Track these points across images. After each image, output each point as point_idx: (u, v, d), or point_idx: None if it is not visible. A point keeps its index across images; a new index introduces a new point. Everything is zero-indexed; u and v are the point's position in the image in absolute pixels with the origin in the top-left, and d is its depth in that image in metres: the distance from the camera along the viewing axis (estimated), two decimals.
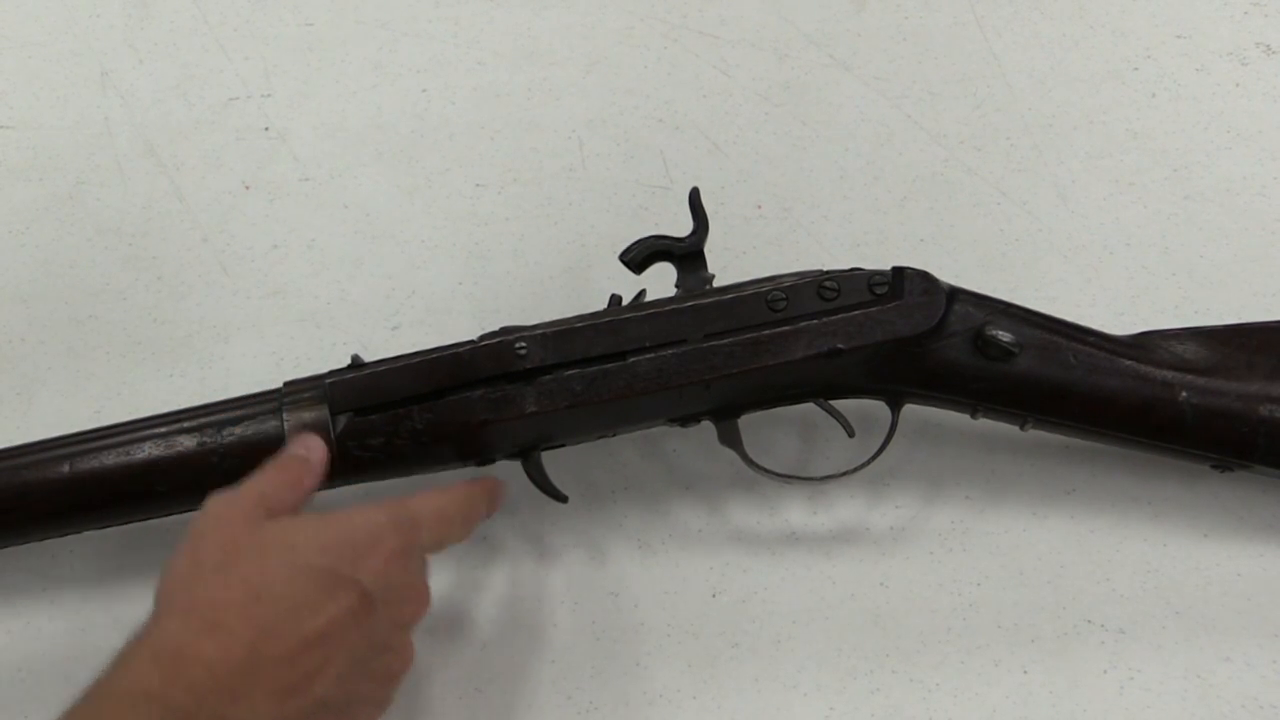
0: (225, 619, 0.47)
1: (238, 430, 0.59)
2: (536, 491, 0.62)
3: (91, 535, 0.63)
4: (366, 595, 0.50)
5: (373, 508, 0.53)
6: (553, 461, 0.63)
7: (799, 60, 0.87)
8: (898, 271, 0.61)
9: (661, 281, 0.64)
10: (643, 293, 0.63)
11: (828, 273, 0.61)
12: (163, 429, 0.59)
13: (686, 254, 0.62)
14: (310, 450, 0.57)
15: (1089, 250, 0.77)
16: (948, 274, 0.64)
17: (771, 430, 0.69)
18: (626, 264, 0.63)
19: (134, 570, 0.66)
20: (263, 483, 0.54)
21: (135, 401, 0.72)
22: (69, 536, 0.62)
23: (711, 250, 0.63)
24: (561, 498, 0.63)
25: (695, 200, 0.64)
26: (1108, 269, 0.76)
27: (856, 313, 0.60)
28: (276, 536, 0.51)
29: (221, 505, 0.52)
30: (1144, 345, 0.63)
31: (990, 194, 0.80)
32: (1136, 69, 0.86)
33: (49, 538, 0.61)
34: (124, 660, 0.47)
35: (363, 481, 0.61)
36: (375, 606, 0.50)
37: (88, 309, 0.76)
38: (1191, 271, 0.76)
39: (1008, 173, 0.81)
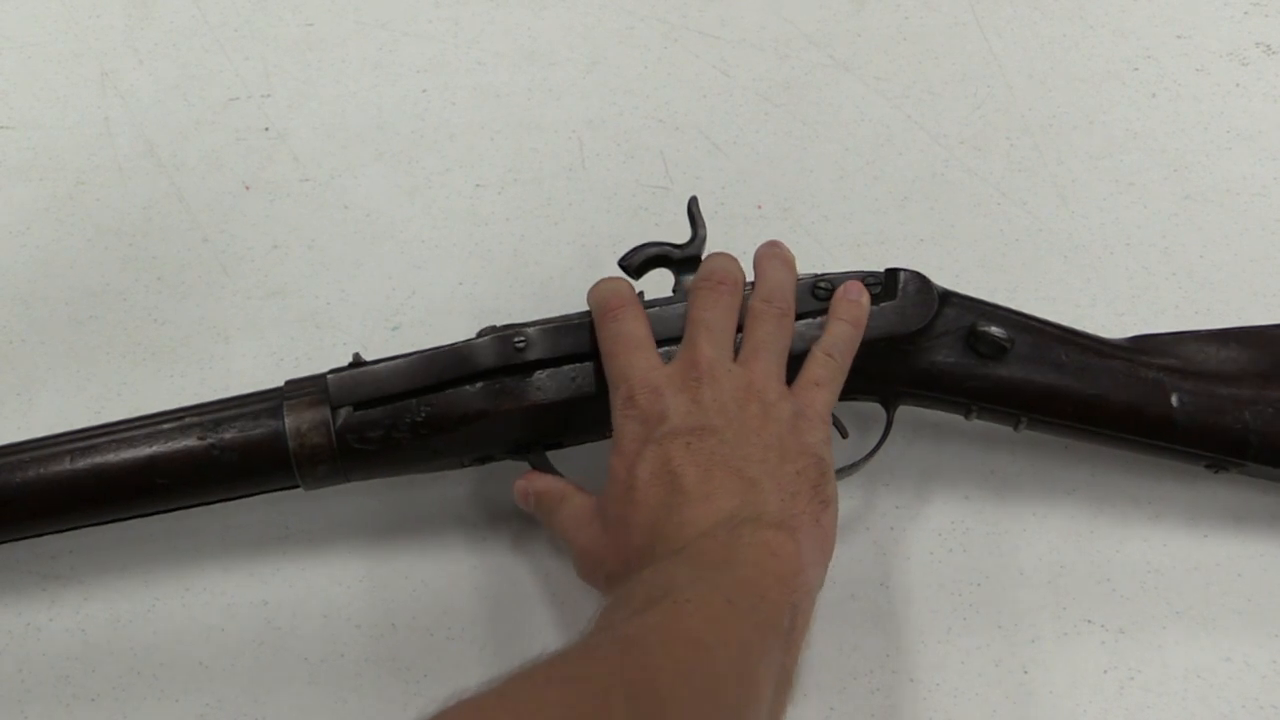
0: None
1: (238, 426, 0.59)
2: None
3: (91, 534, 0.63)
4: None
5: None
6: (555, 461, 0.63)
7: (799, 60, 0.87)
8: (891, 273, 0.62)
9: (660, 286, 0.64)
10: (640, 295, 0.63)
11: (822, 274, 0.62)
12: (165, 425, 0.60)
13: (684, 259, 0.63)
14: None
15: (1089, 250, 0.77)
16: (948, 274, 0.64)
17: None
18: (625, 269, 0.63)
19: (134, 570, 0.66)
20: None
21: (135, 401, 0.72)
22: (69, 535, 0.62)
23: (711, 249, 0.63)
24: None
25: (693, 209, 0.64)
26: (1108, 269, 0.76)
27: None
28: None
29: None
30: (1136, 347, 0.64)
31: (990, 194, 0.80)
32: (1136, 69, 0.86)
33: (49, 533, 0.61)
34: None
35: (364, 478, 0.62)
36: None
37: (88, 309, 0.76)
38: (1191, 272, 0.76)
39: (1008, 173, 0.81)
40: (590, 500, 0.60)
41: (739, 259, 0.62)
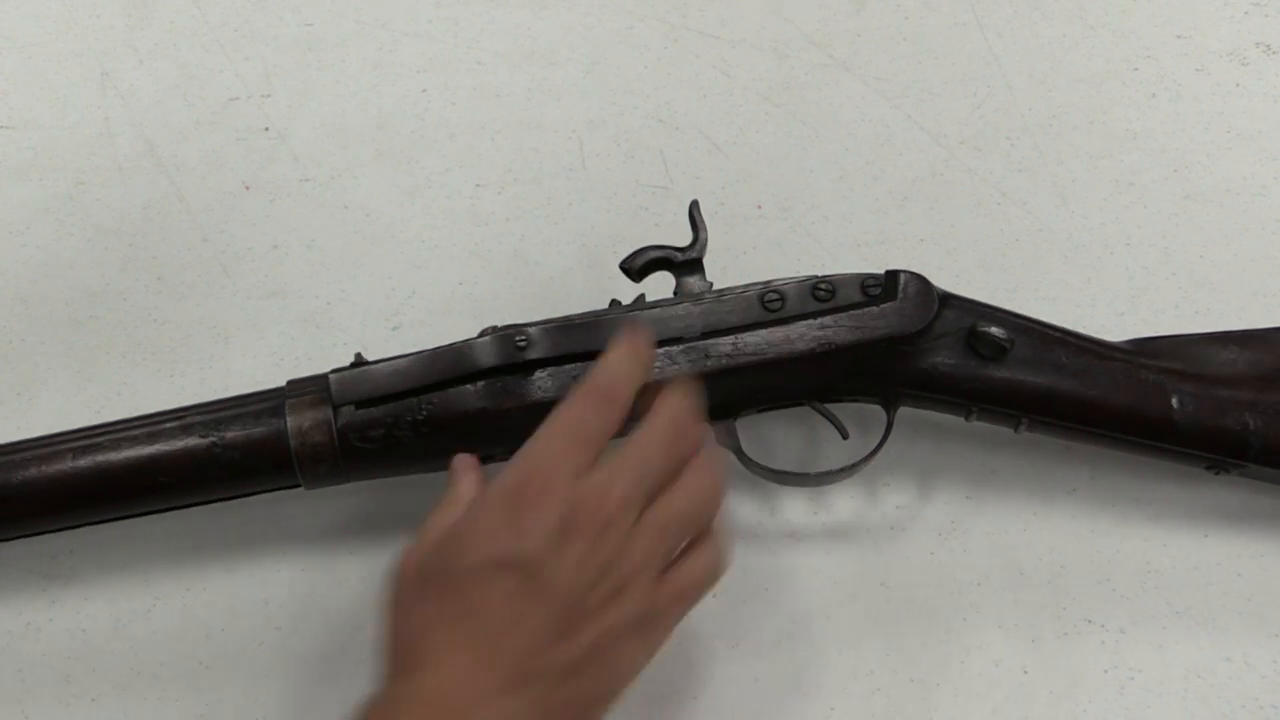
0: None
1: (240, 425, 0.60)
2: None
3: (92, 534, 0.63)
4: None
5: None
6: None
7: (799, 60, 0.87)
8: (891, 274, 0.62)
9: (660, 289, 0.64)
10: (641, 296, 0.64)
11: (823, 276, 0.62)
12: (167, 423, 0.60)
13: (685, 263, 0.63)
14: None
15: (1089, 250, 0.77)
16: (948, 274, 0.64)
17: (771, 430, 0.69)
18: (626, 272, 0.63)
19: (134, 570, 0.66)
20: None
21: (135, 401, 0.72)
22: (69, 534, 0.62)
23: (712, 250, 0.63)
24: None
25: (694, 213, 0.64)
26: (1108, 269, 0.76)
27: (851, 313, 0.61)
28: None
29: None
30: (1136, 349, 0.64)
31: (990, 194, 0.80)
32: (1136, 69, 0.86)
33: (50, 531, 0.62)
34: None
35: (365, 478, 0.62)
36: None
37: (88, 309, 0.76)
38: (1191, 272, 0.76)
39: (1008, 173, 0.81)
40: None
41: (737, 260, 0.62)
